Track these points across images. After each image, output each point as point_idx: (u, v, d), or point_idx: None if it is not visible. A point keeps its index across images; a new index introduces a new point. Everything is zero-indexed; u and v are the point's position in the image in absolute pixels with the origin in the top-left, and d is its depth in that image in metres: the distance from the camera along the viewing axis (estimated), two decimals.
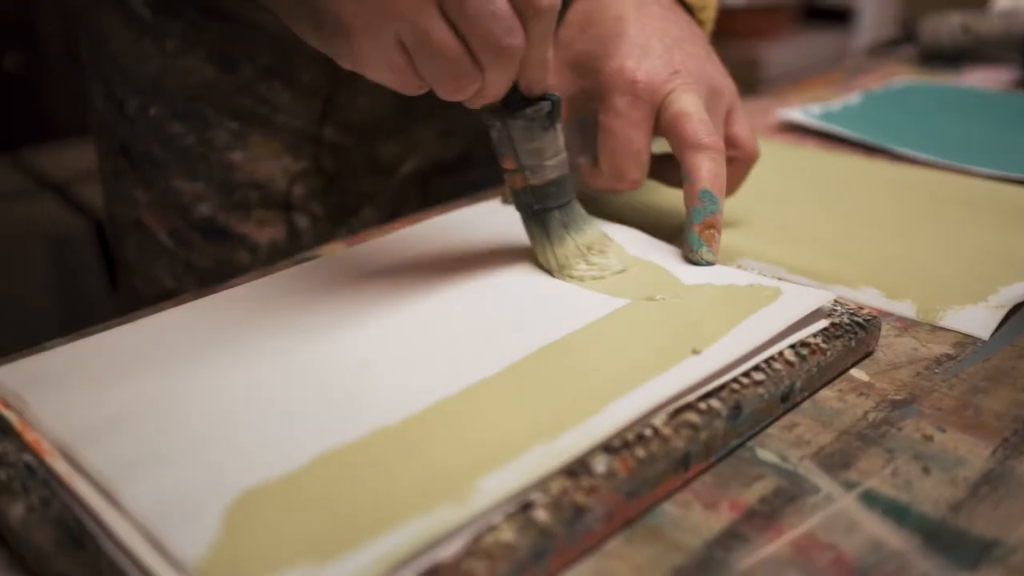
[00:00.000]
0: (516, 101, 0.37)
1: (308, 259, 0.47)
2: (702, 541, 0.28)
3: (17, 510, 0.27)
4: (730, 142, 0.46)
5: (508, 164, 0.39)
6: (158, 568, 0.24)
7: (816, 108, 0.70)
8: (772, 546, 0.28)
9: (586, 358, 0.33)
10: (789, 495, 0.30)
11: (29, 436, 0.29)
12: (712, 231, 0.41)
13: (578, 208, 0.40)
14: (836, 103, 0.73)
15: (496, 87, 0.35)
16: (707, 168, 0.41)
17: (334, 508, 0.25)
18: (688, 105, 0.42)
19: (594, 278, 0.39)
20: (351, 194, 0.61)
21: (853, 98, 0.74)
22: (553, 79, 0.47)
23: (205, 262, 0.60)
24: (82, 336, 0.36)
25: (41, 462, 0.28)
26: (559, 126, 0.38)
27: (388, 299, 0.37)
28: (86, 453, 0.28)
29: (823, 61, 2.22)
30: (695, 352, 0.33)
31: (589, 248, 0.40)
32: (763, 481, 0.31)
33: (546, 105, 0.37)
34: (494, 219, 0.46)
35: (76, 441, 0.28)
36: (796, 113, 0.68)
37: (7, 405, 0.31)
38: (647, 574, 0.27)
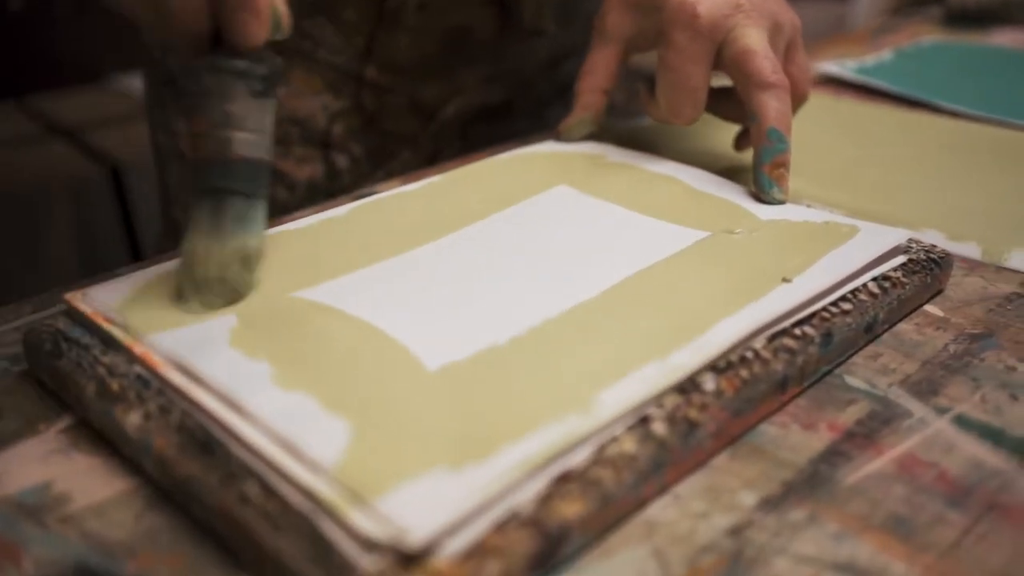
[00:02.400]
0: (229, 54, 0.31)
1: (365, 195, 0.47)
2: (806, 458, 0.29)
3: (134, 418, 0.28)
4: None
5: (198, 125, 0.32)
6: (296, 471, 0.24)
7: (851, 63, 0.71)
8: (876, 463, 0.28)
9: (682, 283, 0.33)
10: (884, 418, 0.31)
11: (138, 349, 0.29)
12: (782, 170, 0.41)
13: (262, 215, 0.34)
14: (870, 59, 0.73)
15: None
16: (774, 107, 0.41)
17: (461, 415, 0.26)
18: (752, 41, 0.42)
19: (220, 302, 0.32)
20: (391, 136, 0.61)
21: (885, 55, 0.75)
22: (612, 18, 0.47)
23: None
24: (165, 259, 0.36)
25: (154, 373, 0.29)
26: (271, 102, 0.32)
27: (473, 229, 0.38)
28: (202, 364, 0.28)
29: (821, 30, 2.22)
30: (786, 280, 0.33)
31: (245, 260, 0.32)
32: (856, 405, 0.31)
33: (261, 68, 0.31)
34: (556, 155, 0.46)
35: (188, 353, 0.28)
36: (834, 67, 0.69)
37: (109, 320, 0.31)
38: (759, 487, 0.27)
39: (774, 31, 0.44)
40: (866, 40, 0.84)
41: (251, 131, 0.32)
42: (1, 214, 0.98)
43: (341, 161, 0.60)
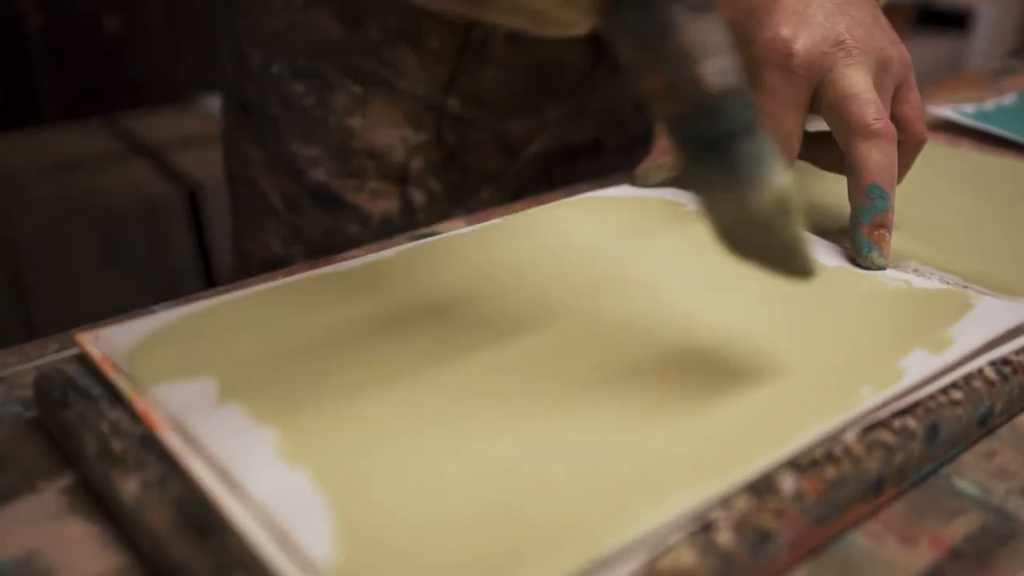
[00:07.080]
0: None
1: (425, 235, 0.44)
2: None
3: (131, 486, 0.25)
4: (896, 123, 0.40)
5: (655, 82, 0.24)
6: (286, 569, 0.21)
7: (969, 107, 0.65)
8: None
9: (764, 367, 0.29)
10: (999, 535, 0.26)
11: (140, 405, 0.26)
12: (883, 231, 0.36)
13: (773, 149, 0.25)
14: (989, 103, 0.67)
15: None
16: (876, 159, 0.37)
17: (474, 527, 0.22)
18: (854, 84, 0.37)
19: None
20: (472, 172, 0.58)
21: (1007, 98, 0.68)
22: None
23: (315, 231, 0.58)
24: (194, 299, 0.34)
25: (154, 435, 0.26)
26: (716, 16, 0.24)
27: (511, 290, 0.34)
28: (201, 427, 0.25)
29: (937, 68, 2.13)
30: None
31: (784, 204, 0.25)
32: (966, 516, 0.26)
33: None
34: (629, 201, 0.42)
35: (192, 412, 0.25)
36: (950, 111, 0.63)
37: (117, 369, 0.28)
38: None
39: (880, 70, 0.39)
40: (984, 82, 0.78)
41: (715, 54, 0.23)
42: (76, 232, 0.98)
43: (418, 197, 0.58)
